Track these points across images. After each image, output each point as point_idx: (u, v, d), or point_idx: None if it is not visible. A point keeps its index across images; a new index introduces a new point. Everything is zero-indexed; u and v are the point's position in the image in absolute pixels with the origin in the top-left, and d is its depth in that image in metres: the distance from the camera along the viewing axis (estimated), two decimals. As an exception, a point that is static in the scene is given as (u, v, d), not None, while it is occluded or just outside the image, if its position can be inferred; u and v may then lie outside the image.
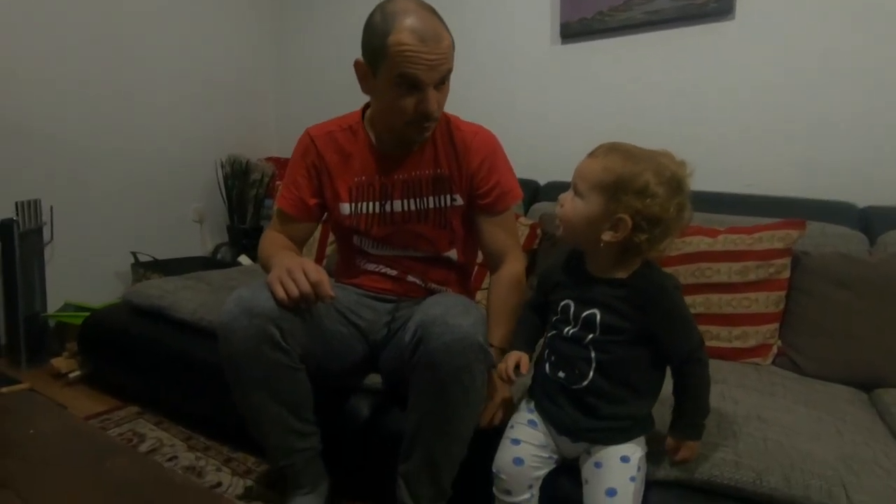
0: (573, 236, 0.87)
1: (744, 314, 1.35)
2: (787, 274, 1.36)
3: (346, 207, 1.14)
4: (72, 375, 1.74)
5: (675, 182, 0.79)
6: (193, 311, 1.47)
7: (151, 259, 2.22)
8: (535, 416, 0.92)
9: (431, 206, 1.14)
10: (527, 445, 0.88)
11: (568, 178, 0.89)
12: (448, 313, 0.89)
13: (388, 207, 1.13)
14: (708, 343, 1.34)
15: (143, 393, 1.63)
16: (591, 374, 0.85)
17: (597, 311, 0.85)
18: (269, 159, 2.58)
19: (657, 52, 1.82)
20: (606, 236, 0.81)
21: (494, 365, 0.95)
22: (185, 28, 2.34)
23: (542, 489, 0.90)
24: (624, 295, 0.84)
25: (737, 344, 1.36)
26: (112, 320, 1.65)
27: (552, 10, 1.99)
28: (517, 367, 0.92)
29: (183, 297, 1.55)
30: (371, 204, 1.14)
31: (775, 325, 1.36)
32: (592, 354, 0.85)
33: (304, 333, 0.98)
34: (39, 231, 1.90)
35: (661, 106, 1.83)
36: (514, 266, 1.14)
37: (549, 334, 0.95)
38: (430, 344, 0.87)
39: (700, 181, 1.72)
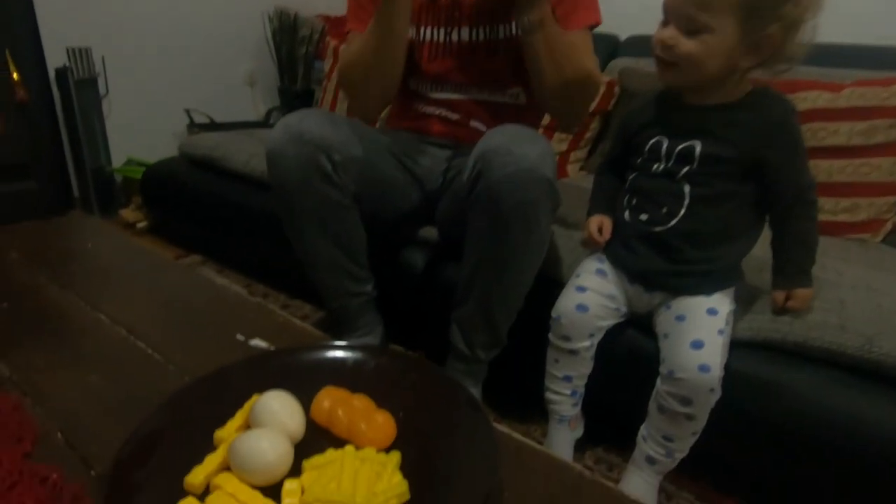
0: (700, 76, 0.71)
1: (859, 183, 1.16)
2: (923, 136, 1.13)
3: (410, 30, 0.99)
4: (139, 226, 1.81)
5: None
6: (245, 161, 1.44)
7: (207, 120, 2.18)
8: (605, 266, 0.84)
9: (502, 35, 0.97)
10: (593, 294, 0.81)
11: (653, 30, 0.74)
12: (513, 141, 0.77)
13: (453, 36, 0.99)
14: None
15: (204, 242, 1.68)
16: (683, 210, 0.75)
17: (696, 143, 0.74)
18: (318, 16, 2.38)
19: None
20: (747, 62, 0.70)
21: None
22: None
23: (603, 340, 0.83)
24: (737, 119, 0.72)
25: (843, 217, 1.18)
26: (169, 172, 1.65)
27: None
28: (599, 231, 0.84)
29: (235, 148, 1.51)
30: (434, 30, 0.99)
31: (894, 198, 1.16)
32: (686, 189, 0.75)
33: (357, 171, 0.90)
34: (94, 82, 1.87)
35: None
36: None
37: (631, 176, 0.83)
38: (492, 175, 0.76)
39: (832, 31, 1.43)
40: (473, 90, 1.03)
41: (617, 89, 1.53)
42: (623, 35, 1.69)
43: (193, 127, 2.14)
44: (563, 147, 1.58)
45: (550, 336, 0.84)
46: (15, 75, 1.33)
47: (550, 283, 0.90)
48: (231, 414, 0.42)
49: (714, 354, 0.69)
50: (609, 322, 0.82)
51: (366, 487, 0.36)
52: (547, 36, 0.87)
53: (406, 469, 0.39)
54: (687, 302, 0.75)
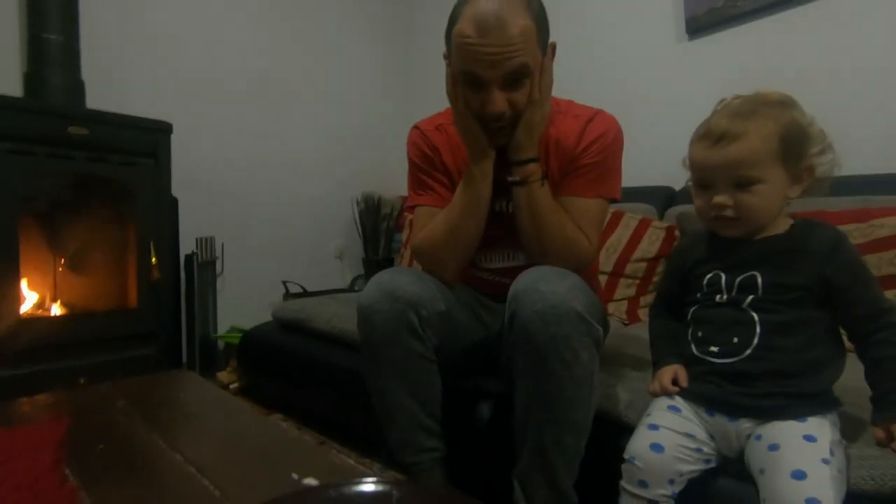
0: (765, 221, 0.76)
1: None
2: None
3: None
4: (232, 387, 1.94)
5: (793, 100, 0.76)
6: (328, 320, 1.56)
7: (300, 289, 2.45)
8: (676, 402, 0.77)
9: None
10: (667, 432, 0.73)
11: None
12: (540, 280, 0.81)
13: (495, 207, 1.03)
14: None
15: (288, 401, 1.75)
16: (756, 340, 0.72)
17: (756, 273, 0.75)
18: (397, 197, 2.75)
19: (808, 29, 1.59)
20: (794, 193, 0.76)
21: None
22: (323, 87, 2.67)
23: (692, 493, 0.73)
24: (795, 247, 0.74)
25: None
26: (263, 336, 1.82)
27: (674, 5, 1.87)
28: (675, 382, 0.80)
29: (319, 310, 1.66)
30: None
31: None
32: (755, 316, 0.73)
33: (440, 325, 0.94)
34: (213, 263, 2.22)
35: (823, 90, 1.56)
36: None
37: (692, 310, 0.82)
38: (523, 313, 0.79)
39: (887, 163, 1.43)
40: (521, 256, 1.06)
41: (677, 233, 1.55)
42: (678, 186, 1.78)
43: (288, 296, 2.40)
44: (632, 292, 1.58)
45: (623, 484, 0.75)
46: (154, 260, 1.63)
47: (619, 429, 0.83)
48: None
49: (822, 486, 0.59)
50: (692, 467, 0.73)
51: None
52: (530, 192, 0.93)
53: None
54: (779, 428, 0.67)
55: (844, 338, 0.76)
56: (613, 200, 1.02)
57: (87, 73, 1.76)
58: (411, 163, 1.11)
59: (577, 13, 2.12)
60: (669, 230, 1.56)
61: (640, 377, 0.98)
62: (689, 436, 0.73)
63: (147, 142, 1.68)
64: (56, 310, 1.67)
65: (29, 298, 1.59)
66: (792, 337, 0.72)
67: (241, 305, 2.36)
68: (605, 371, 1.00)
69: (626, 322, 1.52)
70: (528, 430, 0.84)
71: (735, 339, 0.74)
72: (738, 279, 0.76)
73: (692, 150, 0.79)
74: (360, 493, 0.51)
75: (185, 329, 2.14)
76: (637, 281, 1.57)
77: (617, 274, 1.58)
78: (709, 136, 0.75)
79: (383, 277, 0.92)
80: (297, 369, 1.62)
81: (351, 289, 2.65)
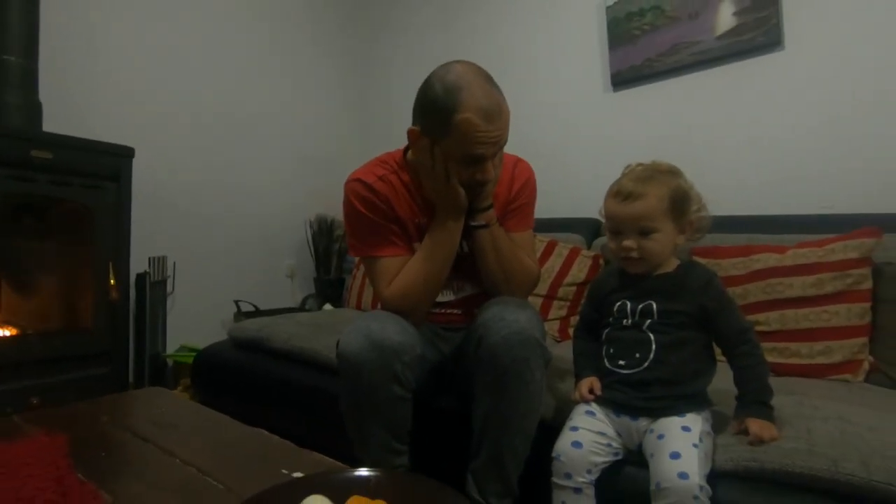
0: (659, 261, 0.99)
1: (825, 328, 1.30)
2: (868, 284, 1.30)
3: (417, 246, 1.14)
4: (184, 406, 1.97)
5: (679, 170, 1.01)
6: (286, 339, 1.66)
7: (252, 308, 2.50)
8: (592, 407, 0.97)
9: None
10: (585, 431, 0.92)
11: None
12: (505, 310, 0.98)
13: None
14: (788, 360, 1.32)
15: (245, 417, 1.78)
16: (651, 354, 0.93)
17: (653, 302, 0.96)
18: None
19: (709, 90, 1.90)
20: (680, 240, 0.99)
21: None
22: (278, 112, 2.76)
23: (605, 480, 0.91)
24: (679, 282, 0.96)
25: (821, 360, 1.29)
26: (218, 354, 1.87)
27: (602, 61, 2.15)
28: (591, 391, 0.99)
29: (277, 329, 1.74)
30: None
31: (863, 340, 1.29)
32: (651, 337, 0.94)
33: (418, 365, 1.02)
34: (164, 283, 2.24)
35: (721, 140, 1.87)
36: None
37: (606, 332, 1.02)
38: (490, 338, 0.95)
39: (769, 205, 1.73)
40: (467, 287, 1.20)
41: (601, 261, 1.79)
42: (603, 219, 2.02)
43: (240, 315, 2.44)
44: (563, 313, 1.78)
45: (553, 479, 0.93)
46: (112, 281, 1.67)
47: (552, 432, 1.01)
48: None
49: (691, 464, 0.79)
50: (604, 459, 0.92)
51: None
52: (493, 232, 1.09)
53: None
54: (665, 422, 0.88)
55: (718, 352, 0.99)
56: (531, 228, 1.24)
57: (43, 94, 1.77)
58: (359, 215, 1.11)
59: (532, 59, 2.36)
60: (595, 258, 1.79)
61: (566, 387, 1.16)
62: (602, 434, 0.93)
63: (110, 166, 1.72)
64: (2, 331, 1.66)
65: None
66: (678, 352, 0.94)
67: (191, 324, 2.38)
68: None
69: (559, 339, 1.72)
70: (487, 436, 0.99)
71: (637, 355, 0.95)
72: (640, 306, 0.98)
73: (606, 205, 1.01)
74: (344, 479, 0.64)
75: (135, 348, 2.14)
76: (567, 303, 1.78)
77: (550, 297, 1.78)
78: (619, 194, 0.97)
79: (372, 327, 0.97)
80: (256, 387, 1.69)
81: (302, 307, 2.72)
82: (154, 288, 2.17)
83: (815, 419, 0.94)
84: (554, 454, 0.92)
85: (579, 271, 1.78)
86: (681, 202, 0.96)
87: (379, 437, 1.02)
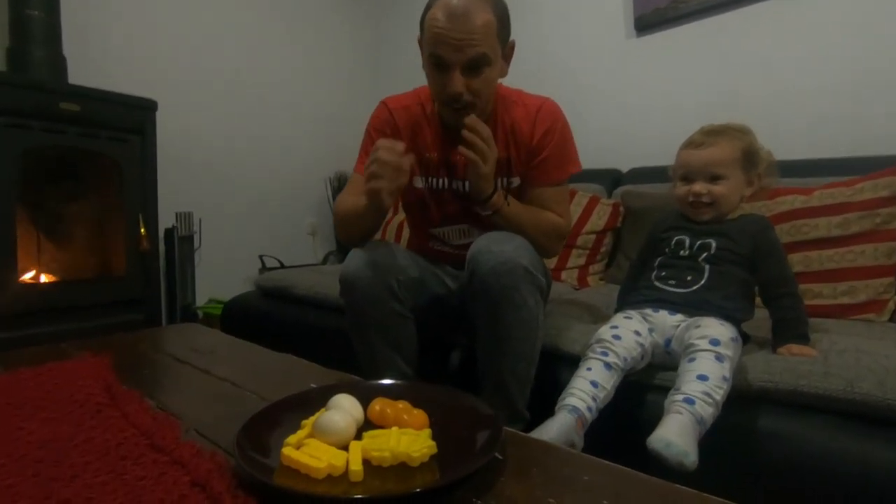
0: (728, 208, 1.05)
1: (849, 268, 1.28)
2: (897, 223, 1.27)
3: (419, 181, 1.17)
4: (215, 353, 2.06)
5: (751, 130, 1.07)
6: (310, 287, 1.71)
7: (276, 263, 2.56)
8: (628, 313, 1.03)
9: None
10: (623, 329, 0.97)
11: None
12: (492, 242, 0.98)
13: (455, 185, 1.16)
14: (811, 301, 1.31)
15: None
16: (703, 281, 0.99)
17: (713, 240, 1.03)
18: (370, 176, 2.88)
19: (738, 32, 1.82)
20: (748, 192, 1.06)
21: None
22: (299, 71, 2.77)
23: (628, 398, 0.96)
24: (739, 227, 1.03)
25: (844, 300, 1.28)
26: (246, 302, 1.94)
27: (624, 4, 2.08)
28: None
29: (300, 279, 1.80)
30: (441, 180, 1.17)
31: (890, 279, 1.27)
32: (706, 266, 1.01)
33: (414, 289, 1.08)
34: (191, 238, 2.31)
35: (747, 84, 1.81)
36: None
37: (658, 260, 1.08)
38: (480, 271, 0.96)
39: (797, 150, 1.68)
40: (476, 232, 1.17)
41: (622, 209, 1.77)
42: (624, 168, 2.00)
43: (265, 270, 2.51)
44: (582, 261, 1.79)
45: (588, 352, 0.96)
46: (143, 231, 1.73)
47: (569, 361, 1.04)
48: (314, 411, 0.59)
49: (718, 333, 0.87)
50: (634, 355, 0.94)
51: (406, 445, 0.51)
52: (503, 215, 1.07)
53: (435, 439, 0.54)
54: (703, 319, 0.93)
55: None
56: (577, 173, 1.18)
57: (67, 48, 1.80)
58: (368, 133, 1.19)
59: (537, 8, 2.30)
60: (615, 206, 1.77)
61: (584, 325, 1.18)
62: (637, 332, 0.97)
63: (135, 118, 1.76)
64: (43, 278, 1.74)
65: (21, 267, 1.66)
66: (727, 285, 0.99)
67: (218, 279, 2.46)
68: (558, 320, 1.21)
69: (577, 287, 1.73)
70: (489, 365, 1.02)
71: (689, 278, 1.01)
72: (699, 242, 1.04)
73: (680, 155, 1.08)
74: (368, 387, 0.68)
75: (166, 300, 2.23)
76: (587, 251, 1.78)
77: (569, 245, 1.78)
78: (691, 143, 1.05)
79: (368, 250, 1.04)
80: (281, 333, 1.76)
81: (323, 263, 2.78)
82: (182, 243, 2.24)
83: (831, 352, 0.94)
84: (594, 339, 0.97)
85: (599, 219, 1.77)
86: (751, 156, 1.03)
87: (385, 354, 1.07)
